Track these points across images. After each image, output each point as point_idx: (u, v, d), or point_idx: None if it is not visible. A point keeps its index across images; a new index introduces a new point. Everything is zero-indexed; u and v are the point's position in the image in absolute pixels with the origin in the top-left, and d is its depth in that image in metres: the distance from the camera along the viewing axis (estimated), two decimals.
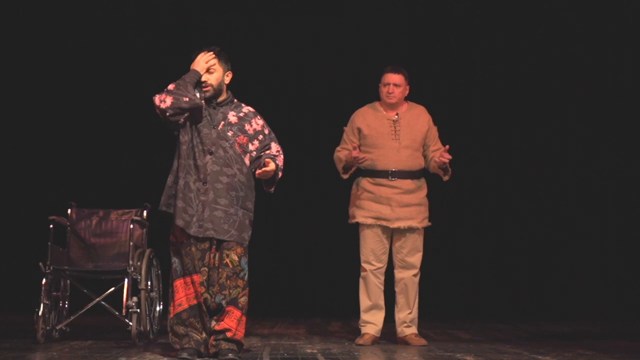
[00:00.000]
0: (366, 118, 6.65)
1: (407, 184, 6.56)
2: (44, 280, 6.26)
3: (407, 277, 6.61)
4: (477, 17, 9.93)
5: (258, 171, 5.44)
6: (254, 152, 5.53)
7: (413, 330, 6.62)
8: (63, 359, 5.41)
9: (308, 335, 7.35)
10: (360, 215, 6.61)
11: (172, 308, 5.42)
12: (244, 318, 5.43)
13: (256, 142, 5.53)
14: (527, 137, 10.04)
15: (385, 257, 6.62)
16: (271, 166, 5.43)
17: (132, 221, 6.59)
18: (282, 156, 5.58)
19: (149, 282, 6.51)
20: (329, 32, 9.94)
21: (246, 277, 5.43)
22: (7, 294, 9.37)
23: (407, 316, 6.62)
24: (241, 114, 5.55)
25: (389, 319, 6.71)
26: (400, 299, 6.63)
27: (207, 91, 5.49)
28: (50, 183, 9.60)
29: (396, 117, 6.61)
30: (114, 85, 9.82)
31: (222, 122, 5.48)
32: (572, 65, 9.93)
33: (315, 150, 9.55)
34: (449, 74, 9.95)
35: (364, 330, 6.62)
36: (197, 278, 5.37)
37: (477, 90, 10.01)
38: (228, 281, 5.38)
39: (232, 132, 5.47)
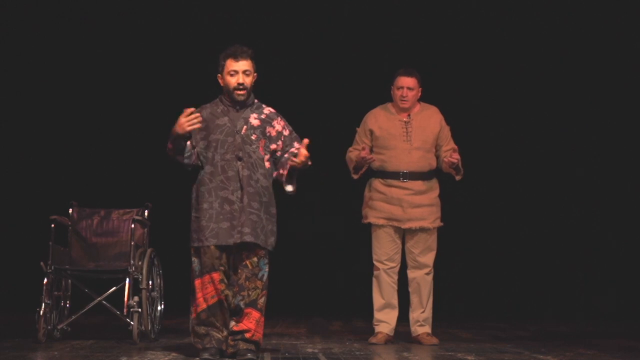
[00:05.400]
0: (378, 119, 6.65)
1: (418, 185, 6.57)
2: (45, 280, 6.27)
3: (420, 276, 6.61)
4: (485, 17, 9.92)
5: (293, 160, 5.34)
6: (279, 152, 5.48)
7: (426, 329, 6.62)
8: (64, 358, 5.41)
9: (309, 334, 7.35)
10: (372, 216, 6.62)
11: (193, 308, 5.42)
12: (262, 319, 5.44)
13: (280, 143, 5.49)
14: (530, 137, 10.04)
15: (398, 257, 6.63)
16: (303, 151, 5.35)
17: (134, 220, 6.59)
18: None
19: (150, 282, 6.51)
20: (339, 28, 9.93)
21: (264, 277, 5.43)
22: (8, 294, 9.37)
23: (420, 315, 6.62)
24: (263, 116, 5.49)
25: (405, 318, 6.72)
26: (413, 299, 6.64)
27: (242, 94, 5.41)
28: (50, 183, 9.60)
29: (408, 118, 6.62)
30: (114, 85, 9.82)
31: (245, 127, 5.42)
32: (578, 63, 9.94)
33: (315, 150, 9.50)
34: (457, 70, 9.91)
35: (377, 329, 6.62)
36: (216, 276, 5.34)
37: (488, 87, 9.97)
38: (247, 282, 5.38)
39: (255, 136, 5.43)
